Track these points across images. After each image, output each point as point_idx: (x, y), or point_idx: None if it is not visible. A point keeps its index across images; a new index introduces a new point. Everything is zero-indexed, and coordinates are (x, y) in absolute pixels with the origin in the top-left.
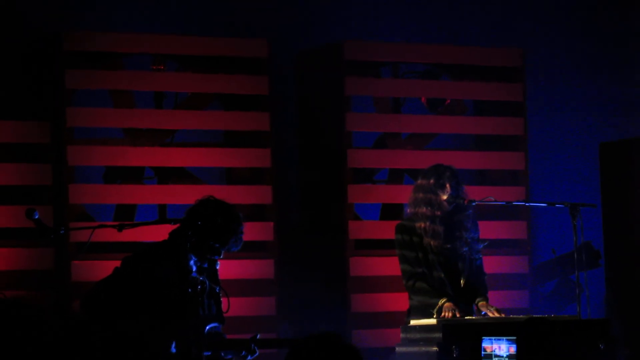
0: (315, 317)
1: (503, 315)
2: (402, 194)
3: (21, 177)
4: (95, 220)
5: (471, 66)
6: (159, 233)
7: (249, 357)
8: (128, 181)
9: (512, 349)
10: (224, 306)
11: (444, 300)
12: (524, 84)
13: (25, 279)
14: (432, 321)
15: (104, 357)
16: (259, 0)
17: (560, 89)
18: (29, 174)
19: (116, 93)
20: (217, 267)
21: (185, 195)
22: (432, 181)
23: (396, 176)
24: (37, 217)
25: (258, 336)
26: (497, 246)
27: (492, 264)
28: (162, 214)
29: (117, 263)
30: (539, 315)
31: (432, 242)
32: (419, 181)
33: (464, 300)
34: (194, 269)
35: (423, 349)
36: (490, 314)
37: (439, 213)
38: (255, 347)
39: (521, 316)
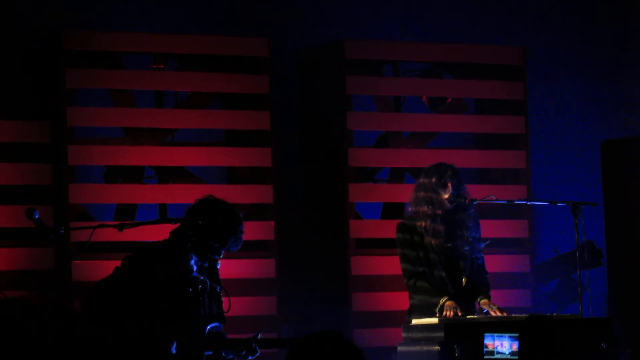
0: (316, 317)
1: (505, 314)
2: (403, 192)
3: (21, 177)
4: (95, 220)
5: (472, 65)
6: (160, 233)
7: (250, 357)
8: (128, 181)
9: (515, 346)
10: (224, 306)
11: (445, 299)
12: (525, 83)
13: (25, 279)
14: (434, 320)
15: (104, 357)
16: None
17: (561, 87)
18: (29, 174)
19: (116, 92)
20: (218, 267)
21: (186, 194)
22: (433, 180)
23: (397, 175)
24: (37, 216)
25: (259, 336)
26: (499, 245)
27: (493, 263)
28: (162, 213)
29: (118, 263)
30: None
31: (433, 241)
32: (420, 180)
33: (466, 299)
34: (195, 268)
35: (425, 348)
36: (493, 313)
37: (440, 212)
38: (257, 347)
39: (523, 315)
